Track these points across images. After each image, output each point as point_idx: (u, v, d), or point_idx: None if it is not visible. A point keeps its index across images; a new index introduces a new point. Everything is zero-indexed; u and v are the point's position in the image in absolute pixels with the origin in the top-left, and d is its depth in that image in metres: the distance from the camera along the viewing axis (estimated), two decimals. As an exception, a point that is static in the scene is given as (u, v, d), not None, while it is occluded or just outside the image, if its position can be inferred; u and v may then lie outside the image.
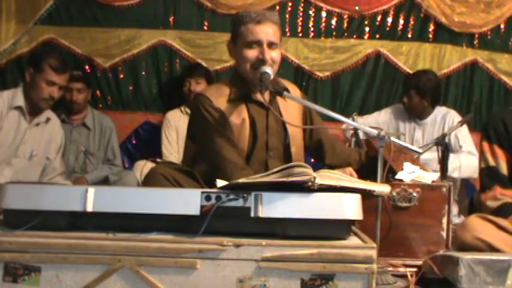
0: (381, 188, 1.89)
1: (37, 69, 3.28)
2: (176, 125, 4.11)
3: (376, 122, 4.10)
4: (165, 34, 4.46)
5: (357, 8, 4.53)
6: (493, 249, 2.23)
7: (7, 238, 1.66)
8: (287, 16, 4.51)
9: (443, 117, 4.07)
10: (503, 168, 2.48)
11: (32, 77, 3.29)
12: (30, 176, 3.28)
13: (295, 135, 2.52)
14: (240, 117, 2.42)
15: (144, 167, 3.62)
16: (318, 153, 2.65)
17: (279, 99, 2.49)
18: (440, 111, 4.10)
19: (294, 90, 2.59)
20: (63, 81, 3.35)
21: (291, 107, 2.53)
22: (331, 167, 2.51)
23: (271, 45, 2.40)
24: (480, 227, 2.30)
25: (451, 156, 3.08)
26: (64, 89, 3.44)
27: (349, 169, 2.45)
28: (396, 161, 2.49)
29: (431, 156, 3.22)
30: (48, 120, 3.42)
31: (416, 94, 3.99)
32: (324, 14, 4.54)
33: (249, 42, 2.40)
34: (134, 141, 4.44)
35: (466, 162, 3.82)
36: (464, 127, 3.96)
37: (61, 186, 1.96)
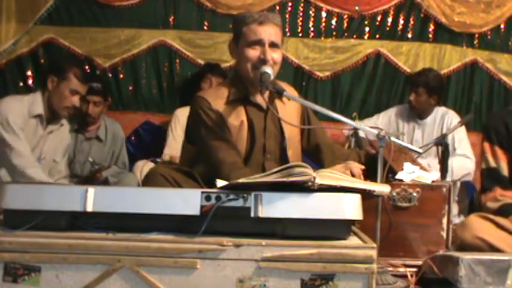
0: (381, 188, 1.89)
1: (61, 77, 3.27)
2: (184, 123, 4.06)
3: (375, 125, 4.09)
4: (165, 34, 4.47)
5: (357, 8, 4.54)
6: (493, 248, 2.23)
7: (7, 238, 1.66)
8: (287, 16, 4.51)
9: (442, 117, 4.07)
10: (504, 170, 2.48)
11: (55, 85, 3.28)
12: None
13: (293, 138, 2.52)
14: (238, 120, 2.42)
15: (143, 167, 3.62)
16: (317, 157, 2.64)
17: (277, 102, 2.49)
18: (439, 111, 4.10)
19: (292, 93, 2.58)
20: (84, 91, 3.36)
21: (289, 110, 2.52)
22: None
23: (272, 45, 2.39)
24: (480, 226, 2.30)
25: None
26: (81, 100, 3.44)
27: (350, 162, 2.40)
28: (396, 161, 2.49)
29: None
30: (61, 126, 3.43)
31: (425, 91, 3.99)
32: (324, 14, 4.55)
33: (251, 42, 2.39)
34: (134, 141, 4.43)
35: (458, 165, 3.81)
36: (463, 128, 3.96)
37: (61, 186, 1.96)
